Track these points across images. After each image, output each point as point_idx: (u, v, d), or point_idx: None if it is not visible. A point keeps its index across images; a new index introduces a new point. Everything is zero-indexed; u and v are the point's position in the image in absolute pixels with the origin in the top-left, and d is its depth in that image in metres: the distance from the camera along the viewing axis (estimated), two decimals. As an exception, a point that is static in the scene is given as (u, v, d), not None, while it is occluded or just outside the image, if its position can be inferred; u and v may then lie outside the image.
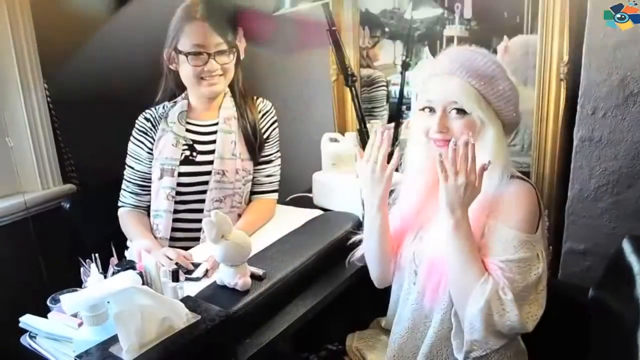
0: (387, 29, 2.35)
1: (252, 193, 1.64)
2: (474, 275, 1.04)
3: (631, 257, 1.15)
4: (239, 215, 1.60)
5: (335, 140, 1.92)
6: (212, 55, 1.46)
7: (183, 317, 0.96)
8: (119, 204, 1.60)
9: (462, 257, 1.05)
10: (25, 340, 1.08)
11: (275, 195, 1.67)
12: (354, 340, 1.35)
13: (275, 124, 1.66)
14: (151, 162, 1.55)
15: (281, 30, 2.10)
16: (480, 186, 1.03)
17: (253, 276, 1.19)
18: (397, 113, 2.08)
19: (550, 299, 1.10)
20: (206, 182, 1.54)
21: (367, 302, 1.46)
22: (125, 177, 1.59)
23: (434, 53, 2.37)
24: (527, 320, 1.03)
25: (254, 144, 1.59)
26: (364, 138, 1.84)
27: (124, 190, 1.59)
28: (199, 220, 1.50)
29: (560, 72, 1.59)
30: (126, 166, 1.58)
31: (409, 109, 2.10)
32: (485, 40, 2.44)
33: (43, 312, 1.10)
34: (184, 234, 1.56)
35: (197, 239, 1.56)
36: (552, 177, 1.65)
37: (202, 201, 1.54)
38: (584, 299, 1.29)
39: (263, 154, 1.63)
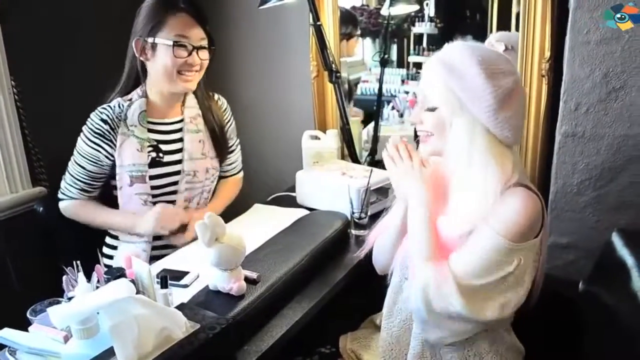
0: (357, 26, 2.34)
1: (219, 178, 1.67)
2: (424, 253, 1.08)
3: (623, 251, 1.17)
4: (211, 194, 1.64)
5: (316, 138, 1.89)
6: (195, 49, 1.41)
7: (182, 327, 0.91)
8: (60, 196, 1.51)
9: (417, 231, 1.11)
10: (4, 356, 1.00)
11: (241, 174, 1.74)
12: (347, 342, 1.32)
13: (232, 118, 1.67)
14: (110, 166, 1.46)
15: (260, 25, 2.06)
16: (428, 168, 1.13)
17: (247, 280, 1.14)
18: (377, 110, 2.06)
19: (540, 292, 1.11)
20: (175, 183, 1.50)
21: (358, 302, 1.44)
22: (72, 173, 1.48)
23: (402, 51, 2.38)
24: (482, 311, 1.03)
25: (221, 142, 1.57)
26: (346, 135, 1.82)
27: (70, 185, 1.49)
28: None
29: (542, 68, 1.61)
30: (75, 164, 1.48)
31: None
32: (446, 39, 2.48)
33: (18, 322, 1.02)
34: (163, 241, 1.52)
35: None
36: (534, 173, 1.68)
37: (173, 202, 1.51)
38: (574, 293, 1.31)
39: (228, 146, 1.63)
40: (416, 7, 2.24)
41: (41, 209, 1.56)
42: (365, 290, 1.40)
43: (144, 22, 1.41)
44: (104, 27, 1.85)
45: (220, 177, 1.68)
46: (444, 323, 1.06)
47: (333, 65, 1.66)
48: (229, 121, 1.64)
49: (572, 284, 1.33)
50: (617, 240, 1.21)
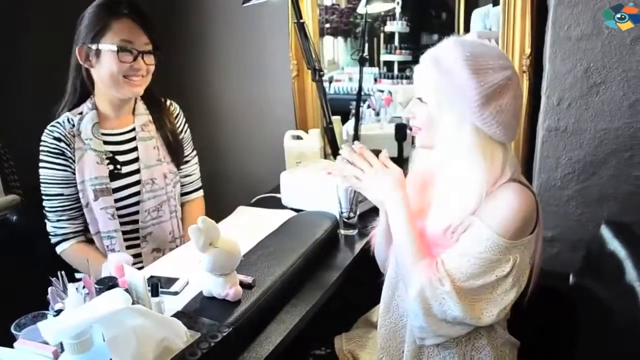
0: (327, 25, 2.33)
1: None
2: (410, 256, 1.07)
3: (614, 243, 1.18)
4: (181, 220, 1.59)
5: (299, 138, 1.87)
6: (140, 54, 1.37)
7: (183, 337, 0.87)
8: (55, 239, 1.44)
9: (396, 236, 1.10)
10: (-12, 374, 0.94)
11: (201, 193, 1.70)
12: (343, 343, 1.31)
13: (187, 125, 1.63)
14: (76, 183, 1.42)
15: (239, 24, 2.02)
16: (392, 167, 1.15)
17: (242, 284, 1.11)
18: (357, 108, 2.05)
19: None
20: (137, 193, 1.46)
21: (350, 302, 1.42)
22: (53, 208, 1.42)
23: (372, 49, 2.38)
24: (479, 316, 1.02)
25: (175, 146, 1.55)
26: (330, 135, 1.81)
27: (59, 221, 1.43)
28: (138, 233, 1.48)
29: (522, 64, 1.63)
30: (50, 197, 1.41)
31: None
32: (416, 38, 2.51)
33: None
34: (134, 250, 1.49)
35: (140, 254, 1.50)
36: (517, 167, 1.70)
37: (137, 212, 1.47)
38: (564, 285, 1.33)
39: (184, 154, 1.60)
40: (392, 5, 2.25)
41: (15, 217, 1.50)
42: (357, 290, 1.39)
43: (87, 29, 1.36)
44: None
45: (182, 197, 1.64)
46: (442, 329, 1.04)
47: (316, 64, 1.64)
48: (182, 127, 1.60)
49: (560, 276, 1.34)
50: (606, 232, 1.22)
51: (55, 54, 1.51)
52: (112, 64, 1.34)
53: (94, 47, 1.35)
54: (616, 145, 1.49)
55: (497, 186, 1.05)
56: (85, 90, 1.44)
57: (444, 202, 1.09)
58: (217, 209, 1.65)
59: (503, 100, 1.03)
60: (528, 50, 1.61)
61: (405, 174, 1.24)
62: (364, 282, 1.32)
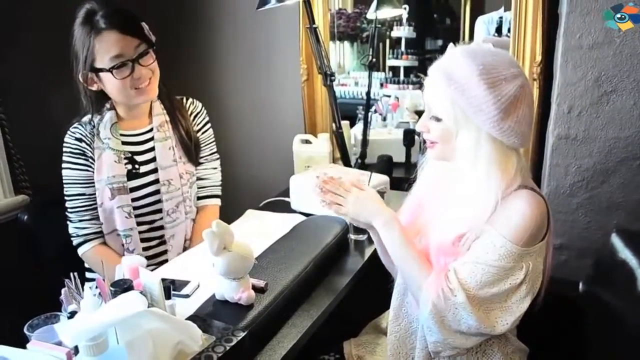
0: (335, 30, 2.34)
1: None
2: (417, 272, 1.08)
3: (625, 252, 1.18)
4: (193, 220, 1.57)
5: (308, 142, 1.87)
6: (135, 61, 1.33)
7: (198, 340, 0.88)
8: (77, 240, 1.45)
9: (397, 255, 1.12)
10: (1, 376, 0.94)
11: (216, 201, 1.63)
12: (352, 348, 1.31)
13: (208, 125, 1.59)
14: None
15: (249, 29, 2.03)
16: (368, 189, 1.19)
17: (254, 288, 1.11)
18: (365, 113, 2.05)
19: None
20: (155, 192, 1.47)
21: (359, 308, 1.42)
22: (75, 209, 1.44)
23: (378, 54, 2.39)
24: (494, 324, 1.02)
25: (190, 146, 1.53)
26: (339, 139, 1.81)
27: (81, 221, 1.44)
28: (160, 233, 1.49)
29: (532, 72, 1.64)
30: (72, 197, 1.43)
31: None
32: (419, 43, 2.51)
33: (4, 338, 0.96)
34: (151, 252, 1.50)
35: (165, 252, 1.51)
36: (526, 175, 1.70)
37: (158, 211, 1.48)
38: (575, 293, 1.33)
39: (200, 155, 1.58)
40: (401, 11, 2.25)
41: (25, 217, 1.50)
42: (366, 295, 1.39)
43: (77, 59, 1.35)
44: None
45: (197, 201, 1.60)
46: (457, 340, 1.04)
47: (327, 69, 1.64)
48: (201, 126, 1.57)
49: (570, 284, 1.34)
50: (617, 241, 1.22)
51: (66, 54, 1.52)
52: (113, 82, 1.34)
53: (90, 74, 1.35)
54: (626, 154, 1.49)
55: (509, 192, 1.05)
56: (100, 99, 1.43)
57: (456, 212, 1.08)
58: (226, 212, 1.65)
59: (519, 111, 1.02)
60: (539, 58, 1.62)
61: (414, 180, 1.25)
62: (374, 287, 1.32)
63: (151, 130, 1.48)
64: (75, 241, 1.45)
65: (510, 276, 1.02)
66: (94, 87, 1.38)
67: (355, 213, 1.17)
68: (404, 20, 2.35)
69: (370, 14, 2.20)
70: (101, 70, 1.33)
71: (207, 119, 1.59)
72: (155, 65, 1.39)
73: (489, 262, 1.02)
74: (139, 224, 1.46)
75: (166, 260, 1.46)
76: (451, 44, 1.12)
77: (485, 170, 1.05)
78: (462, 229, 1.06)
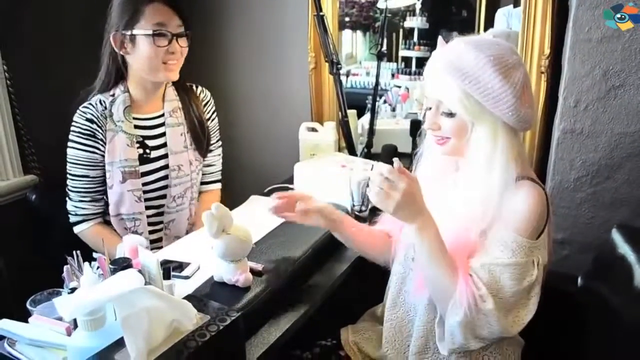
0: (347, 19, 2.33)
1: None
2: (448, 279, 1.03)
3: (625, 248, 1.18)
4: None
5: (314, 130, 1.88)
6: (175, 36, 1.38)
7: (193, 319, 0.89)
8: (74, 219, 1.46)
9: (431, 259, 1.04)
10: (3, 347, 0.97)
11: (219, 185, 1.69)
12: (349, 334, 1.32)
13: (215, 114, 1.62)
14: (104, 165, 1.44)
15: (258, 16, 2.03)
16: (410, 180, 1.00)
17: (252, 271, 1.13)
18: (373, 103, 2.05)
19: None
20: (164, 177, 1.49)
21: (357, 295, 1.44)
22: (76, 189, 1.44)
23: (391, 44, 2.38)
24: (511, 325, 1.02)
25: (200, 134, 1.55)
26: (346, 128, 1.81)
27: (81, 202, 1.45)
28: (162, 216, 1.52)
29: (541, 64, 1.63)
30: (75, 177, 1.44)
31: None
32: (435, 34, 2.48)
33: (10, 312, 0.99)
34: (157, 235, 1.53)
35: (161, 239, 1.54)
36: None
37: (163, 197, 1.50)
38: (573, 287, 1.33)
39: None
40: (413, 0, 2.24)
41: (34, 197, 1.53)
42: (365, 283, 1.40)
43: (119, 16, 1.37)
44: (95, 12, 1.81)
45: (200, 186, 1.64)
46: (473, 345, 1.03)
47: (334, 57, 1.64)
48: (210, 115, 1.60)
49: (569, 278, 1.34)
50: (617, 236, 1.22)
51: (82, 38, 1.53)
52: (149, 49, 1.35)
53: (128, 33, 1.36)
54: (632, 149, 1.48)
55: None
56: (119, 75, 1.45)
57: (468, 210, 1.07)
58: (230, 198, 1.67)
59: (528, 94, 1.04)
60: (547, 51, 1.61)
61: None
62: (372, 275, 1.33)
63: (163, 115, 1.49)
64: (72, 219, 1.46)
65: (526, 275, 1.02)
66: (123, 52, 1.39)
67: (403, 204, 1.00)
68: (417, 11, 2.33)
69: (381, 3, 2.18)
70: (138, 35, 1.35)
71: (214, 108, 1.62)
72: (186, 50, 1.43)
73: (505, 260, 1.01)
74: (146, 207, 1.48)
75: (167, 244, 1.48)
76: (440, 38, 1.11)
77: (504, 161, 1.03)
78: (480, 226, 1.05)
